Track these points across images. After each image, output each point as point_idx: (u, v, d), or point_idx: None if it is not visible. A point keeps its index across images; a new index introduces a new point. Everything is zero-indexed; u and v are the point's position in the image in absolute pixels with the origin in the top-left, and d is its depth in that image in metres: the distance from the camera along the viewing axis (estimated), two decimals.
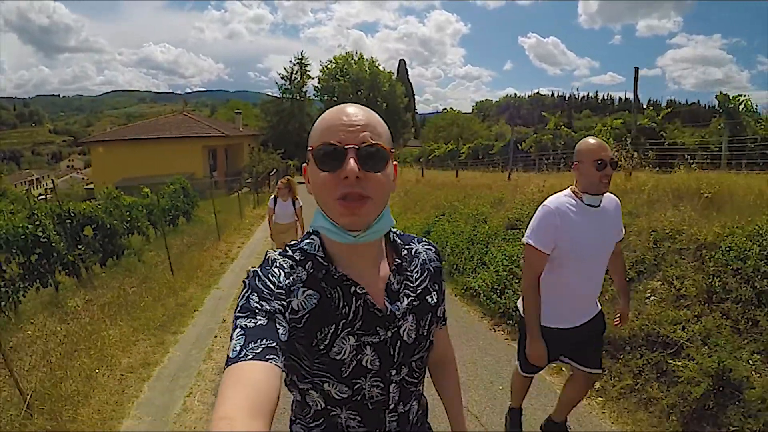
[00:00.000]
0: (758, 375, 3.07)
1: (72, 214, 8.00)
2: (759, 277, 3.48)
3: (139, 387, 4.17)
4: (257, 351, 0.83)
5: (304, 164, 1.07)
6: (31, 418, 3.45)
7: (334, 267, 1.04)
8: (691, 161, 6.96)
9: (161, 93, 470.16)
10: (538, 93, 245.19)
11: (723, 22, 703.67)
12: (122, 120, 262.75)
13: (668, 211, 4.70)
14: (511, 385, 3.22)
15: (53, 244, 7.08)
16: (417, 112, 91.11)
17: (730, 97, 11.84)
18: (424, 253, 1.22)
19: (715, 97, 12.15)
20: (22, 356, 4.26)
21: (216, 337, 5.41)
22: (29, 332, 5.17)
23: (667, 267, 4.15)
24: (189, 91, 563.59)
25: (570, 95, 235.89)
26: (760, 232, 3.75)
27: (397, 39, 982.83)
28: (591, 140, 2.55)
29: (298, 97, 49.82)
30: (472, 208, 8.59)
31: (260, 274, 1.00)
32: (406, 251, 1.18)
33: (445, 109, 61.90)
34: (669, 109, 15.70)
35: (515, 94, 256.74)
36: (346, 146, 0.95)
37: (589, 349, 2.79)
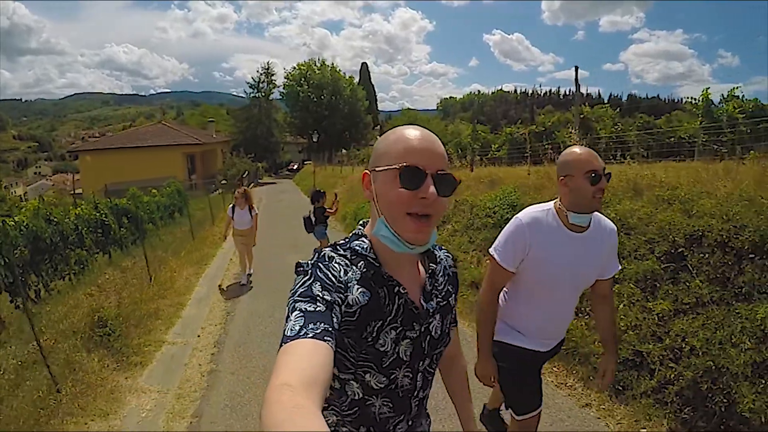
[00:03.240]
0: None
1: (118, 207, 11.91)
2: (497, 214, 7.45)
3: (196, 280, 8.28)
4: (317, 331, 0.91)
5: (365, 171, 1.19)
6: (152, 285, 7.49)
7: (382, 268, 1.18)
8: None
9: (125, 95, 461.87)
10: (501, 90, 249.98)
11: (685, 18, 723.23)
12: (87, 124, 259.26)
13: (469, 189, 8.80)
14: None
15: (111, 226, 11.03)
16: (381, 111, 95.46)
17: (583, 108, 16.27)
18: (444, 259, 1.39)
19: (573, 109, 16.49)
20: (141, 263, 8.29)
21: (228, 266, 9.52)
22: (109, 273, 9.08)
23: (456, 217, 8.28)
24: (153, 92, 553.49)
25: (533, 91, 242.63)
26: (502, 196, 7.73)
27: (362, 37, 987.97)
28: (578, 149, 2.21)
29: (265, 105, 53.32)
30: None
31: (322, 266, 1.11)
32: (435, 258, 1.34)
33: (402, 109, 65.87)
34: (556, 116, 19.97)
35: (479, 90, 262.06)
36: (428, 171, 1.09)
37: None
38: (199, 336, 5.73)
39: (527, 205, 6.76)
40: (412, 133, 1.15)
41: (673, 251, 4.42)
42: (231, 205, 8.40)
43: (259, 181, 39.28)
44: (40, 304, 8.09)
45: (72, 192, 35.45)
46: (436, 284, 1.31)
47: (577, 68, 9.03)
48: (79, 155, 35.08)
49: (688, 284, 4.12)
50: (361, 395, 1.19)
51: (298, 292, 1.03)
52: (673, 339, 3.85)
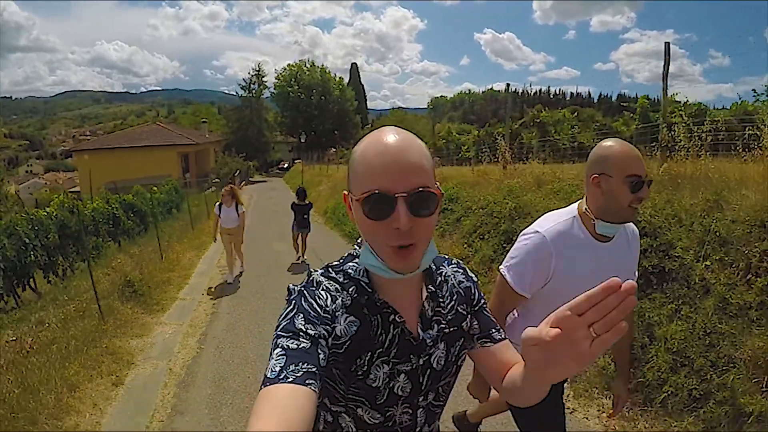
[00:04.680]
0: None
1: (125, 203, 13.61)
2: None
3: (198, 260, 9.99)
4: (297, 374, 0.84)
5: (345, 191, 1.04)
6: (163, 262, 9.16)
7: (377, 294, 1.06)
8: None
9: (116, 93, 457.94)
10: (491, 89, 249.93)
11: (675, 18, 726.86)
12: (77, 122, 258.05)
13: None
14: None
15: (120, 219, 12.72)
16: (371, 110, 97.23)
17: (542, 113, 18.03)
18: (452, 276, 1.21)
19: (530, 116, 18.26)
20: (147, 249, 9.97)
21: (222, 253, 10.93)
22: (121, 258, 10.76)
23: None
24: (144, 90, 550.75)
25: (523, 90, 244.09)
26: (443, 190, 9.36)
27: (353, 35, 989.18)
28: (618, 145, 1.83)
29: (256, 105, 54.99)
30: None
31: (307, 295, 1.01)
32: (438, 277, 1.18)
33: (394, 108, 67.79)
34: (522, 120, 21.71)
35: (470, 90, 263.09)
36: (396, 195, 0.91)
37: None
38: (203, 294, 7.54)
39: (463, 198, 8.44)
40: (375, 146, 0.97)
41: None
42: (218, 203, 8.31)
43: (251, 179, 40.66)
44: (67, 280, 9.80)
45: (68, 190, 36.75)
46: (439, 308, 1.14)
47: (508, 85, 10.70)
48: (76, 154, 36.53)
49: None
50: (354, 429, 1.08)
51: (281, 326, 0.95)
52: None
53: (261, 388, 0.83)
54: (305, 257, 9.47)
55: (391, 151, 0.94)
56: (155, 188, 17.28)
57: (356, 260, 1.10)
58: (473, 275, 1.27)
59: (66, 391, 4.15)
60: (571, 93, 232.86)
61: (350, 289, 1.05)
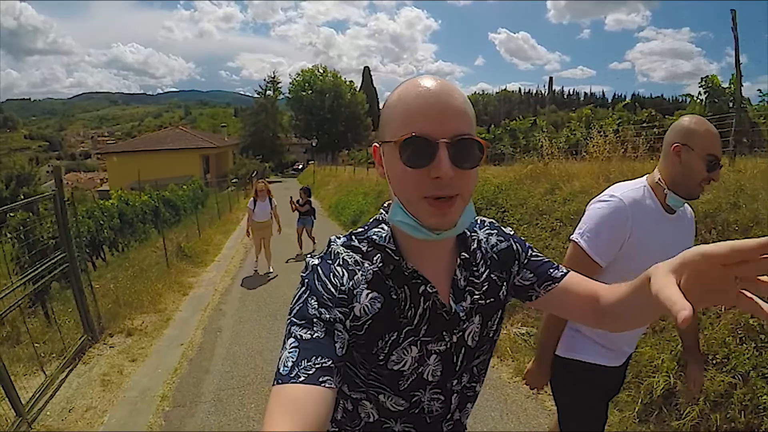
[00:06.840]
0: None
1: (164, 198, 16.69)
2: None
3: (226, 239, 12.92)
4: (310, 372, 0.77)
5: (374, 144, 0.94)
6: (200, 238, 12.17)
7: (405, 262, 0.94)
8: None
9: (133, 94, 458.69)
10: (505, 90, 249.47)
11: (691, 16, 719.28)
12: (95, 123, 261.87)
13: None
14: None
15: (161, 211, 15.80)
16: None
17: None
18: (485, 240, 1.08)
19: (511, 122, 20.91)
20: (186, 232, 13.02)
21: (244, 239, 13.72)
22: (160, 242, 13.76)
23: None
24: (161, 91, 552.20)
25: (536, 91, 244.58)
26: None
27: (368, 36, 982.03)
28: (704, 123, 1.83)
29: (271, 110, 58.25)
30: (359, 187, 17.44)
31: (321, 272, 0.91)
32: (472, 242, 1.05)
33: None
34: (499, 130, 24.25)
35: (483, 90, 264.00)
36: (438, 140, 0.81)
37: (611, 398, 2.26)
38: (232, 259, 10.50)
39: None
40: (415, 88, 0.86)
41: None
42: (252, 199, 8.73)
43: (267, 179, 43.27)
44: (125, 253, 12.78)
45: (94, 189, 39.94)
46: (473, 277, 1.01)
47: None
48: (105, 156, 39.93)
49: None
50: (377, 417, 0.98)
51: (294, 311, 0.86)
52: None
53: (274, 384, 0.77)
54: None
55: (433, 93, 0.84)
56: (185, 186, 20.39)
57: (382, 225, 0.98)
58: (508, 230, 1.14)
59: (155, 295, 7.16)
60: (585, 93, 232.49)
61: (374, 258, 0.94)
